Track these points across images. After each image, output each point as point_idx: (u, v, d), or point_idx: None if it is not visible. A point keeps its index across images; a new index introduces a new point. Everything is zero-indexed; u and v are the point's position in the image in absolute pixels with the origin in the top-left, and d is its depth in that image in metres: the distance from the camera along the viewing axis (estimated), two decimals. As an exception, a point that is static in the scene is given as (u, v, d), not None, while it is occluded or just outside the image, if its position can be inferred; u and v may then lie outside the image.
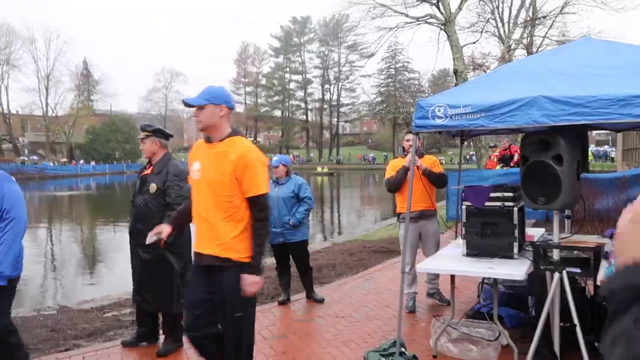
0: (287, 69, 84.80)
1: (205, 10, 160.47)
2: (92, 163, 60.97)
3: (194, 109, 2.95)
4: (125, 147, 64.97)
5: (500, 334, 3.92)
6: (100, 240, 15.06)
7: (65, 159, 62.35)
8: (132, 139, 61.55)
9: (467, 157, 41.76)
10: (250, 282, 2.84)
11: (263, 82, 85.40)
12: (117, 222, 17.59)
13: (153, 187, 4.22)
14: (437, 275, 5.46)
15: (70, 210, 25.46)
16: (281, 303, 5.70)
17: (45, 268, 11.17)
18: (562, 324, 3.43)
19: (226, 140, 2.94)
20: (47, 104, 64.83)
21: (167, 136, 4.50)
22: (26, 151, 64.46)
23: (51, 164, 57.96)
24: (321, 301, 5.72)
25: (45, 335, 4.86)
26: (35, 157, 60.87)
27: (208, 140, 3.01)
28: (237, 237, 2.88)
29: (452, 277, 4.12)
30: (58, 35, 72.08)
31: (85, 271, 10.83)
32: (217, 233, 2.88)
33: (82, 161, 61.46)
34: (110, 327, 5.11)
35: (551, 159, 3.35)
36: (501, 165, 12.43)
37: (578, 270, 3.50)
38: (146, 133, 4.36)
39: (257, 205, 2.88)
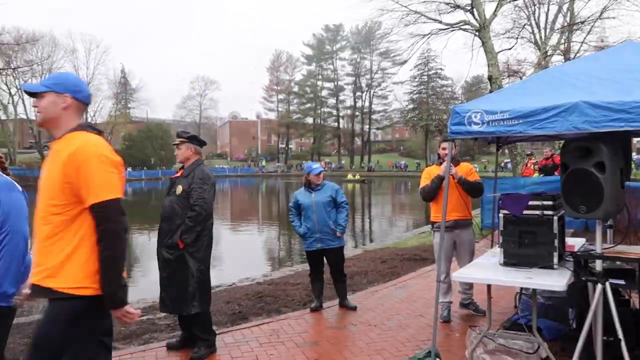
0: (320, 77, 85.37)
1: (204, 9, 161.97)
2: (129, 169, 62.50)
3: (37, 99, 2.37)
4: (160, 154, 66.45)
5: (539, 347, 3.80)
6: (136, 244, 15.37)
7: (102, 165, 64.03)
8: (167, 146, 62.88)
9: (502, 164, 41.01)
10: (116, 317, 2.26)
11: (295, 89, 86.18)
12: (152, 227, 17.93)
13: (179, 188, 4.36)
14: (471, 285, 5.36)
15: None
16: (313, 310, 5.69)
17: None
18: (605, 338, 3.30)
19: (65, 136, 2.33)
20: (86, 112, 66.80)
21: (201, 143, 4.62)
22: (66, 157, 66.55)
23: (89, 170, 59.59)
24: (354, 309, 5.68)
25: (83, 337, 4.96)
26: (74, 163, 62.82)
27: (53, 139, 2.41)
28: (67, 261, 2.21)
29: (489, 286, 4.03)
30: (98, 45, 74.43)
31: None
32: (42, 255, 2.23)
33: (118, 167, 63.13)
34: (146, 331, 5.19)
35: (593, 166, 3.24)
36: (542, 175, 12.13)
37: (622, 282, 3.37)
38: (182, 139, 4.50)
39: (100, 216, 2.20)
